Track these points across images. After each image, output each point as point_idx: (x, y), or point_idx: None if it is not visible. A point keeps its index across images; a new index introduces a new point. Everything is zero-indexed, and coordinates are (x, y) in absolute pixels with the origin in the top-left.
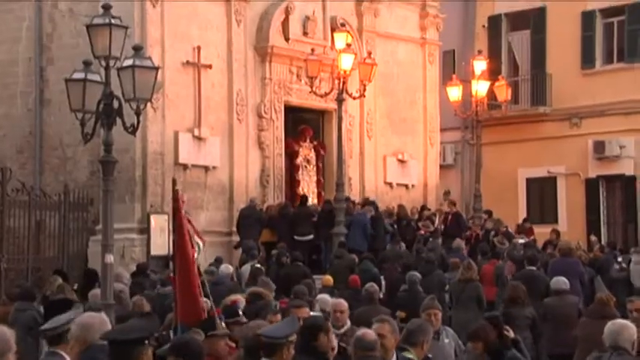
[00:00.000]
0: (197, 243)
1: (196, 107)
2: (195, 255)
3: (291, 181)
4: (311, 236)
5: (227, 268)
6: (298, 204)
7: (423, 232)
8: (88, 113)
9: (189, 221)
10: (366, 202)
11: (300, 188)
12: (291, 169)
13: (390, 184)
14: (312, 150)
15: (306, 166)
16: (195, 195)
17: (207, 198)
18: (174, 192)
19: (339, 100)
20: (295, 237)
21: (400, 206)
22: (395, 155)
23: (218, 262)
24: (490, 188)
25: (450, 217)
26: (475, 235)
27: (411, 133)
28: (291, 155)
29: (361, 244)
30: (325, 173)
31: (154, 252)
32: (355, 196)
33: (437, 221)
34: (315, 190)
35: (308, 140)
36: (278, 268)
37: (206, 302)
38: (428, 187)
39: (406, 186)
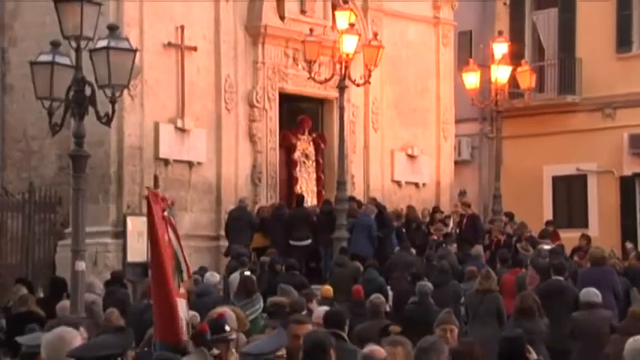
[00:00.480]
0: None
1: (179, 95)
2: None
3: (288, 178)
4: (309, 241)
5: (213, 277)
6: (294, 205)
7: (435, 237)
8: (56, 101)
9: (172, 226)
10: (373, 203)
11: (298, 186)
12: (289, 165)
13: (399, 183)
14: (311, 143)
15: (304, 162)
16: (178, 195)
17: (192, 198)
18: (148, 190)
19: (341, 88)
20: (291, 242)
21: (409, 207)
22: (404, 150)
23: (203, 270)
24: (511, 188)
25: (465, 220)
26: (496, 241)
27: (422, 125)
28: (287, 149)
29: (366, 250)
30: (326, 170)
31: (130, 259)
32: (359, 196)
33: (451, 225)
34: (315, 189)
35: (307, 132)
36: (271, 277)
37: (194, 316)
38: (441, 185)
39: (416, 185)
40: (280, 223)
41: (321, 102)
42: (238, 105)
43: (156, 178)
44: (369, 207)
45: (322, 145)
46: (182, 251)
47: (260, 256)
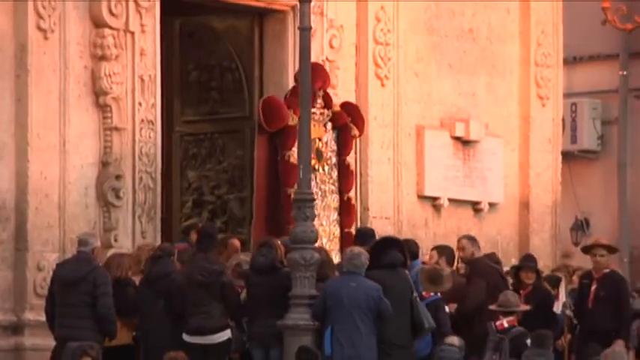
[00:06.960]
0: None
1: None
2: None
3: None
4: (225, 334)
5: None
6: (196, 247)
7: (505, 323)
8: None
9: None
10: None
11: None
12: (270, 171)
13: (435, 202)
14: (329, 126)
15: (315, 168)
16: None
17: None
18: None
19: None
20: (185, 337)
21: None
22: (446, 127)
23: None
24: None
25: (596, 285)
26: None
27: (488, 71)
28: (270, 140)
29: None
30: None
31: None
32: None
33: (561, 295)
34: (337, 230)
35: (320, 96)
36: None
37: None
38: (531, 208)
39: (475, 206)
40: (160, 292)
41: (258, 15)
42: (66, 20)
43: None
44: (361, 255)
45: (356, 131)
46: None
47: None
